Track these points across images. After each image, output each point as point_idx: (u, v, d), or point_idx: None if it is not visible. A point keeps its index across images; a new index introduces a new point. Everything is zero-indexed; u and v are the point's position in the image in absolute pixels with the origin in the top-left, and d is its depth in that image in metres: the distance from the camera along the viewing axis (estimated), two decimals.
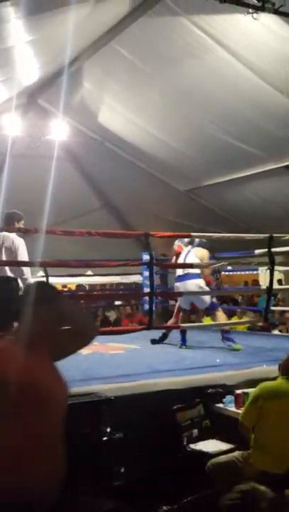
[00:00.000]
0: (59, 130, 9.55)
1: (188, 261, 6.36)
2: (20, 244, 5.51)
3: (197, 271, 6.29)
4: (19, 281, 5.44)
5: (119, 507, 1.62)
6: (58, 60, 7.60)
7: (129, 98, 8.28)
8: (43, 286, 2.29)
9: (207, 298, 6.29)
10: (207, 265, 6.92)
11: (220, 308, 6.56)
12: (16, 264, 5.51)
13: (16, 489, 1.95)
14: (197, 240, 6.56)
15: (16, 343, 2.10)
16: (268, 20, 5.53)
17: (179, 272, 6.41)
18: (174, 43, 6.62)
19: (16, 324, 2.19)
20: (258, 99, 6.95)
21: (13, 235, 5.56)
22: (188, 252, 6.46)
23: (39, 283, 2.30)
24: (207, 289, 6.39)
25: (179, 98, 7.72)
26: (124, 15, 6.53)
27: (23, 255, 5.51)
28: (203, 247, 6.48)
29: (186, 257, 6.47)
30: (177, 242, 6.72)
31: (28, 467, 1.99)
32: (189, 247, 6.55)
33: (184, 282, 6.27)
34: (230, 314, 10.69)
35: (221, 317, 6.45)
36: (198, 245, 6.52)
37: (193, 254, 6.39)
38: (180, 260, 6.49)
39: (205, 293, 6.33)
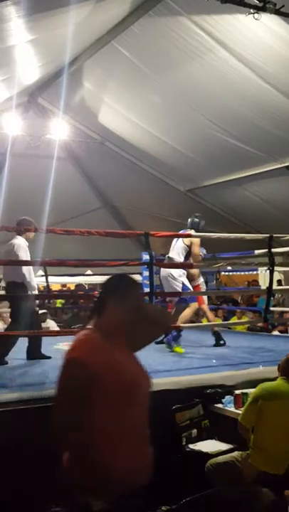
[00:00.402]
0: (59, 129, 9.55)
1: (178, 245, 6.26)
2: (20, 248, 5.49)
3: (178, 259, 6.16)
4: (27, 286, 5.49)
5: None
6: (58, 59, 7.60)
7: (130, 98, 8.28)
8: (122, 278, 2.29)
9: (178, 289, 6.05)
10: (206, 265, 6.93)
11: (192, 304, 6.25)
12: (16, 263, 5.52)
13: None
14: (189, 220, 6.45)
15: (97, 334, 2.10)
16: (269, 20, 5.52)
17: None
18: (174, 43, 6.61)
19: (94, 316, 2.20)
20: (258, 100, 6.95)
21: (16, 240, 5.56)
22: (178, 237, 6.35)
23: (117, 275, 2.31)
24: (179, 280, 6.10)
25: (179, 98, 7.71)
26: (125, 15, 6.52)
27: (22, 259, 5.50)
28: (196, 230, 6.32)
29: (176, 241, 6.36)
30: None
31: (126, 452, 2.00)
32: (181, 231, 6.43)
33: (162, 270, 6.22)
34: (229, 315, 10.70)
35: (187, 313, 6.14)
36: (192, 228, 6.40)
37: (181, 241, 6.27)
38: (172, 245, 6.41)
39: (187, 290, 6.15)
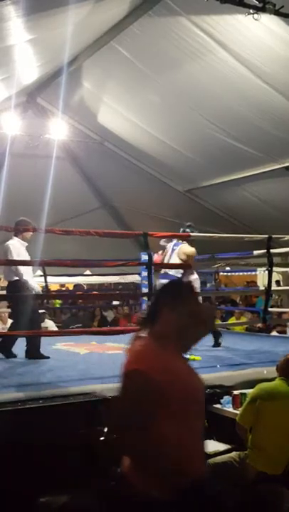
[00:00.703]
0: (58, 129, 9.54)
1: (173, 262, 6.01)
2: (9, 249, 5.48)
3: (178, 272, 5.92)
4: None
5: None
6: (57, 59, 7.59)
7: (129, 98, 8.28)
8: (178, 284, 2.28)
9: None
10: (205, 266, 6.92)
11: None
12: (14, 263, 5.52)
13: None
14: (181, 230, 6.19)
15: (154, 342, 2.09)
16: (268, 21, 5.53)
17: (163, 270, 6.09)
18: (174, 44, 6.61)
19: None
20: (257, 100, 6.95)
21: (11, 241, 5.57)
22: (173, 250, 6.12)
23: (172, 281, 2.30)
24: None
25: (178, 98, 7.71)
26: (125, 14, 6.52)
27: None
28: (189, 241, 6.07)
29: (170, 256, 6.12)
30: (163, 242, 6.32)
31: (189, 460, 2.01)
32: (174, 242, 6.16)
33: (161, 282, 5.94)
34: (227, 315, 10.70)
35: None
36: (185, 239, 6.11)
37: (176, 256, 6.03)
38: (165, 260, 6.15)
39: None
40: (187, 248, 6.01)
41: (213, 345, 6.41)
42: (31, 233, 5.72)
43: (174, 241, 6.15)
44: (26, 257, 5.62)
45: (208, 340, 6.71)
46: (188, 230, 6.25)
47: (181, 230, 6.31)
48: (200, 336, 2.36)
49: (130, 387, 2.01)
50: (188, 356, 5.96)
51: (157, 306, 2.18)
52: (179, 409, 1.98)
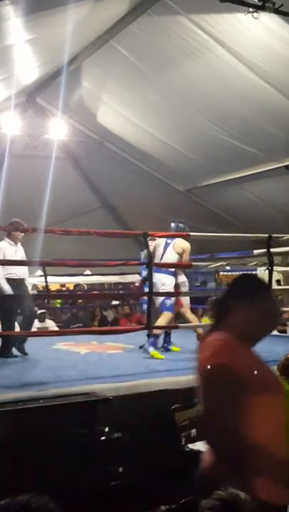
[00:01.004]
0: (58, 129, 9.53)
1: (169, 257, 5.86)
2: None
3: (171, 270, 5.80)
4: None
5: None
6: (57, 58, 7.58)
7: (129, 97, 8.27)
8: (252, 278, 2.24)
9: (160, 298, 5.76)
10: (204, 266, 6.92)
11: (166, 312, 5.79)
12: (17, 263, 5.55)
13: None
14: (173, 226, 6.06)
15: (231, 337, 2.06)
16: (268, 19, 5.52)
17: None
18: (173, 42, 6.60)
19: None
20: (257, 99, 6.95)
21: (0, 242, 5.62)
22: (167, 244, 5.96)
23: (245, 275, 2.25)
24: (168, 286, 5.77)
25: (178, 97, 7.71)
26: (124, 14, 6.52)
27: None
28: (186, 239, 5.90)
29: (164, 251, 5.96)
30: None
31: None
32: (168, 238, 5.99)
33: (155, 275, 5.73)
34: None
35: (165, 318, 5.74)
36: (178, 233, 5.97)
37: (172, 250, 5.90)
38: (158, 254, 5.97)
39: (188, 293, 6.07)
40: (184, 243, 5.90)
41: None
42: (22, 234, 5.70)
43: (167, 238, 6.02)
44: (15, 258, 5.62)
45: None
46: (180, 225, 6.16)
47: (173, 225, 6.21)
48: (270, 332, 2.33)
49: (217, 382, 1.96)
50: (170, 347, 5.93)
51: (231, 300, 2.12)
52: (262, 401, 1.94)
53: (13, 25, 5.68)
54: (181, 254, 5.92)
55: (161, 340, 5.96)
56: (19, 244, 5.72)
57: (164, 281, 5.74)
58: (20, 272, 5.62)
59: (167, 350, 5.99)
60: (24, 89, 8.77)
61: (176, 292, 6.15)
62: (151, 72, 7.39)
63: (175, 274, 5.91)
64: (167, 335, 6.09)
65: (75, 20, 6.03)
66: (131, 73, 7.53)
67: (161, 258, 5.92)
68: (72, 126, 9.88)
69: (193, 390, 4.25)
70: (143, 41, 6.93)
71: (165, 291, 5.73)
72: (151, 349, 5.56)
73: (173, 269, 5.86)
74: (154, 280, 5.44)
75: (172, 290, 5.81)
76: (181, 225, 6.16)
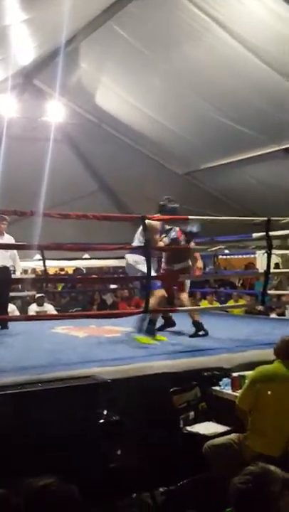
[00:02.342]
0: (55, 112, 9.45)
1: (137, 234, 5.66)
2: None
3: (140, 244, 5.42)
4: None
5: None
6: (54, 39, 7.49)
7: (127, 79, 8.18)
8: None
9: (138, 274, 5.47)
10: (203, 249, 6.90)
11: (157, 291, 5.53)
12: (15, 247, 5.54)
13: None
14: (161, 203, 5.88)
15: None
16: (269, 0, 5.43)
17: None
18: (173, 24, 6.51)
19: None
20: (258, 81, 6.87)
21: None
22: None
23: None
24: (140, 264, 5.41)
25: (177, 80, 7.62)
26: None
27: None
28: (166, 214, 5.70)
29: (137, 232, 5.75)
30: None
31: None
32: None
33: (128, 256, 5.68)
34: (226, 298, 10.71)
35: (156, 299, 5.44)
36: (159, 212, 5.80)
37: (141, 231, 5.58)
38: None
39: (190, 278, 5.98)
40: (150, 222, 5.47)
41: (192, 336, 5.92)
42: (5, 225, 5.87)
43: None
44: None
45: (208, 322, 6.71)
46: (161, 202, 5.93)
47: (161, 203, 5.97)
48: None
49: None
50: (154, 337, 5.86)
51: None
52: None
53: (9, 5, 5.60)
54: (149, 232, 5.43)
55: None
56: (5, 235, 5.82)
57: (135, 259, 5.51)
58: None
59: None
60: (21, 71, 8.68)
61: (174, 275, 6.11)
62: (151, 54, 7.30)
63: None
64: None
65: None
66: (130, 55, 7.43)
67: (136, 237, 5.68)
68: (70, 108, 9.79)
69: (190, 372, 4.29)
70: (142, 22, 6.84)
71: (139, 267, 5.44)
72: (143, 334, 5.43)
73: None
74: (127, 259, 5.56)
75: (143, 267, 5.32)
76: (161, 202, 5.90)
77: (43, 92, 9.55)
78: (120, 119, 9.40)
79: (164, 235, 6.15)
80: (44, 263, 8.76)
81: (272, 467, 1.69)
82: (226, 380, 4.21)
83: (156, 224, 5.54)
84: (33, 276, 12.00)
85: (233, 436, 3.68)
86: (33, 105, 9.40)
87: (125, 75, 8.13)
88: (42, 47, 7.75)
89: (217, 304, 9.67)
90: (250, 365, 4.11)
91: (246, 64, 6.65)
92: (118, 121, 9.49)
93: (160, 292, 5.60)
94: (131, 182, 10.96)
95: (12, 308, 7.06)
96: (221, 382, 4.23)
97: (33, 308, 9.13)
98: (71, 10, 6.15)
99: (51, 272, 10.98)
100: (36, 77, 9.25)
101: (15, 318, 6.24)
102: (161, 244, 5.94)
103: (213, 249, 7.06)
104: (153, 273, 5.32)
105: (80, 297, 11.34)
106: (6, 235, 6.14)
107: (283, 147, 8.04)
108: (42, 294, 9.63)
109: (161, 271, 6.11)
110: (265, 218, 6.05)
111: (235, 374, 4.18)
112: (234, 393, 3.97)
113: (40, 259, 8.81)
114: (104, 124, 9.84)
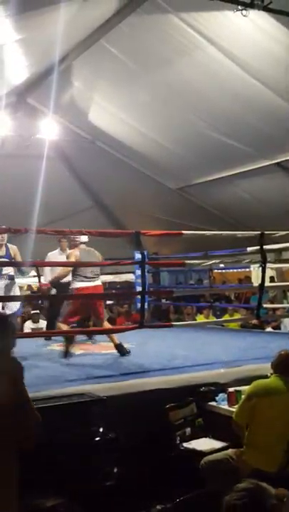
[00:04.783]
0: (49, 129, 9.50)
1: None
2: None
3: (9, 270, 5.91)
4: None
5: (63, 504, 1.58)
6: (47, 58, 7.55)
7: (119, 96, 8.25)
8: None
9: (12, 304, 5.84)
10: (198, 264, 6.92)
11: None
12: (11, 264, 5.54)
13: None
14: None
15: None
16: (257, 17, 5.52)
17: None
18: (163, 41, 6.59)
19: None
20: (247, 97, 6.94)
21: None
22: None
23: None
24: (15, 291, 6.02)
25: (169, 96, 7.69)
26: (113, 13, 6.49)
27: None
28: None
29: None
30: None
31: None
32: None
33: None
34: (221, 312, 10.71)
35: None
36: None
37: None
38: None
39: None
40: (12, 248, 6.02)
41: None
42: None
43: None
44: None
45: (203, 337, 6.70)
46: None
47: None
48: None
49: None
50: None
51: None
52: None
53: (2, 25, 5.66)
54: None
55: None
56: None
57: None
58: None
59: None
60: (14, 90, 8.73)
61: (169, 291, 6.14)
62: (142, 71, 7.38)
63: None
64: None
65: (64, 19, 6.00)
66: (121, 72, 7.51)
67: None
68: (64, 125, 9.84)
69: (186, 388, 4.28)
70: (133, 40, 6.91)
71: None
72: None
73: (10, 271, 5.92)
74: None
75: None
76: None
77: (37, 110, 9.60)
78: (113, 136, 9.46)
79: None
80: (39, 279, 8.75)
81: (264, 483, 1.70)
82: (222, 396, 4.20)
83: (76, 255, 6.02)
84: (29, 292, 11.96)
85: (230, 451, 3.66)
86: (26, 123, 9.44)
87: (118, 93, 8.20)
88: (35, 66, 7.81)
89: (213, 319, 9.67)
90: (247, 380, 4.11)
91: (237, 80, 6.73)
92: (111, 138, 9.55)
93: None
94: (125, 197, 11.01)
95: None
96: (217, 398, 4.22)
97: (28, 325, 9.10)
98: (63, 29, 6.21)
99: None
100: (30, 96, 9.31)
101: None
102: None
103: (208, 263, 7.09)
104: None
105: None
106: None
107: (275, 161, 8.10)
108: (37, 311, 9.60)
109: None
110: (259, 232, 6.09)
111: (231, 389, 4.18)
112: (231, 408, 3.96)
113: (35, 276, 8.81)
114: (98, 140, 9.90)
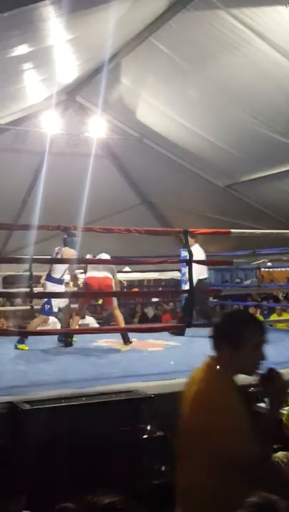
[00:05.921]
0: (97, 127, 9.58)
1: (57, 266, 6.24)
2: None
3: (57, 275, 6.15)
4: None
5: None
6: (97, 57, 7.61)
7: (168, 94, 8.23)
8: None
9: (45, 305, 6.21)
10: (246, 262, 6.83)
11: (45, 317, 6.38)
12: (59, 261, 5.65)
13: None
14: (66, 237, 6.24)
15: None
16: None
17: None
18: (212, 37, 6.52)
19: None
20: None
21: None
22: (57, 254, 6.26)
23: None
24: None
25: (217, 92, 7.61)
26: (163, 10, 6.48)
27: None
28: (70, 247, 6.16)
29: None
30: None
31: None
32: (58, 247, 6.32)
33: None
34: (269, 312, 10.55)
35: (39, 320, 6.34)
36: (66, 245, 6.20)
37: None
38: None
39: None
40: (68, 251, 6.09)
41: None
42: None
43: (58, 247, 6.34)
44: None
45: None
46: (64, 236, 6.25)
47: (64, 236, 6.30)
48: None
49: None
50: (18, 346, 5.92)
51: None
52: None
53: (53, 26, 5.72)
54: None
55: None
56: None
57: (50, 289, 6.16)
58: None
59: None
60: (65, 88, 8.85)
61: (215, 290, 6.11)
62: (191, 68, 7.33)
63: (59, 280, 6.22)
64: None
65: (114, 18, 6.03)
66: (170, 69, 7.48)
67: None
68: (112, 123, 9.91)
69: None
70: (182, 37, 6.88)
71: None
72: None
73: (58, 277, 6.18)
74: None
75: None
76: (64, 236, 6.26)
77: (86, 109, 9.71)
78: (161, 133, 9.45)
79: None
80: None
81: (273, 496, 1.66)
82: None
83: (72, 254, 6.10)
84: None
85: (280, 454, 3.59)
86: (75, 121, 9.57)
87: (166, 90, 8.18)
88: (85, 65, 7.89)
89: (261, 318, 9.52)
90: None
91: (286, 74, 6.60)
92: (159, 135, 9.54)
93: (43, 318, 6.35)
94: (172, 195, 10.99)
95: (53, 321, 7.13)
96: (265, 399, 4.14)
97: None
98: (114, 28, 6.25)
99: None
100: (79, 94, 9.42)
101: (56, 332, 6.29)
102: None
103: (256, 262, 7.00)
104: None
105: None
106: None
107: None
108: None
109: None
110: None
111: None
112: (281, 410, 3.88)
113: (81, 273, 8.91)
114: (146, 138, 9.91)
